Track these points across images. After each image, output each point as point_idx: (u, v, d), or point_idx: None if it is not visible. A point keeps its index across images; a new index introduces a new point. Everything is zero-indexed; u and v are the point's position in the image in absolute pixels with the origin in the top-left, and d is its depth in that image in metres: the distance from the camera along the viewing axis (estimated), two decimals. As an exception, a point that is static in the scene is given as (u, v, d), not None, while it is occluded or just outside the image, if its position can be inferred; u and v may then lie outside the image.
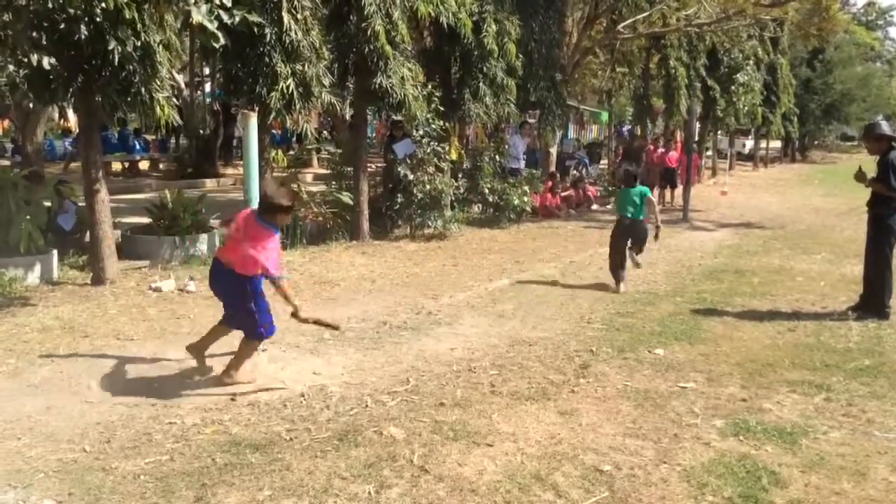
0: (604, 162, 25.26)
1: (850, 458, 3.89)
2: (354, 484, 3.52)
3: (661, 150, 17.23)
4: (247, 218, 4.65)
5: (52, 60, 6.14)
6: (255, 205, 5.20)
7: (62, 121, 22.36)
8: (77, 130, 16.33)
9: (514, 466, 3.73)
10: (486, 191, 12.81)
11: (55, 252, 7.84)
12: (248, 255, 4.45)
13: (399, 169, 10.99)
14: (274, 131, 14.07)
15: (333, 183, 12.04)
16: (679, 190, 16.30)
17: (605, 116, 30.04)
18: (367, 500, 3.39)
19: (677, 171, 16.77)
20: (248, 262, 4.48)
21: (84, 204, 7.87)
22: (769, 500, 3.43)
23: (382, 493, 3.44)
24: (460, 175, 12.90)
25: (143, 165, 18.58)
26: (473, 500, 3.40)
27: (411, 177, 10.95)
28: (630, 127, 28.49)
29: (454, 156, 12.26)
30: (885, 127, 6.79)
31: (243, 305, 4.65)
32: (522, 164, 14.40)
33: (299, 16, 8.47)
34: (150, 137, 20.37)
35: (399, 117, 10.85)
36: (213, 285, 4.85)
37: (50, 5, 6.08)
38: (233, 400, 4.55)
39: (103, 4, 5.97)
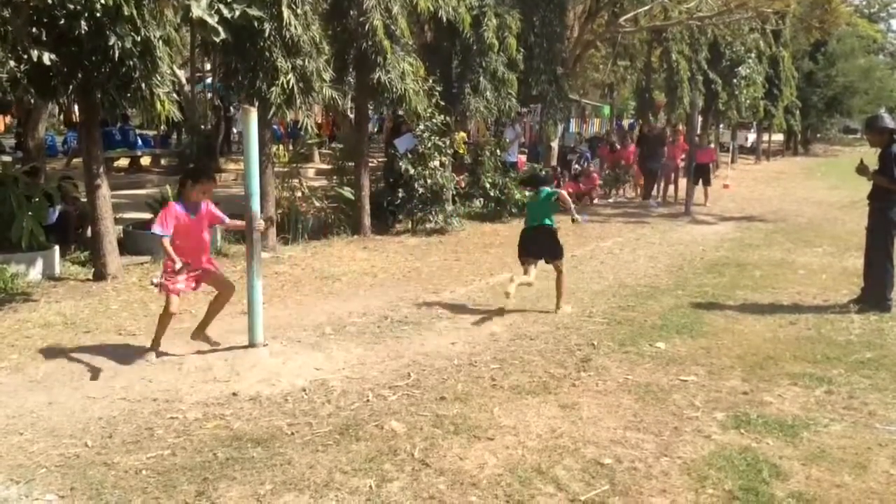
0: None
1: (852, 450, 3.89)
2: (355, 478, 3.53)
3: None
4: None
5: (53, 56, 6.13)
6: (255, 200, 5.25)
7: (61, 115, 22.26)
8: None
9: (515, 460, 3.73)
10: (488, 185, 12.81)
11: (57, 248, 7.86)
12: None
13: (400, 164, 10.99)
14: (275, 127, 14.06)
15: (335, 178, 12.05)
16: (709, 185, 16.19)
17: (606, 110, 29.96)
18: (368, 493, 3.39)
19: (710, 167, 16.48)
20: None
21: (85, 199, 7.88)
22: (770, 492, 3.43)
23: (383, 487, 3.45)
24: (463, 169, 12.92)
25: (145, 161, 18.61)
26: (474, 493, 3.41)
27: (413, 171, 10.95)
28: (632, 121, 28.39)
29: (462, 150, 12.25)
30: (888, 120, 6.78)
31: None
32: (515, 157, 14.48)
33: (299, 10, 8.45)
34: (142, 131, 20.25)
35: (399, 112, 10.85)
36: None
37: (49, 1, 6.07)
38: (234, 395, 4.57)
39: (102, 0, 5.97)
